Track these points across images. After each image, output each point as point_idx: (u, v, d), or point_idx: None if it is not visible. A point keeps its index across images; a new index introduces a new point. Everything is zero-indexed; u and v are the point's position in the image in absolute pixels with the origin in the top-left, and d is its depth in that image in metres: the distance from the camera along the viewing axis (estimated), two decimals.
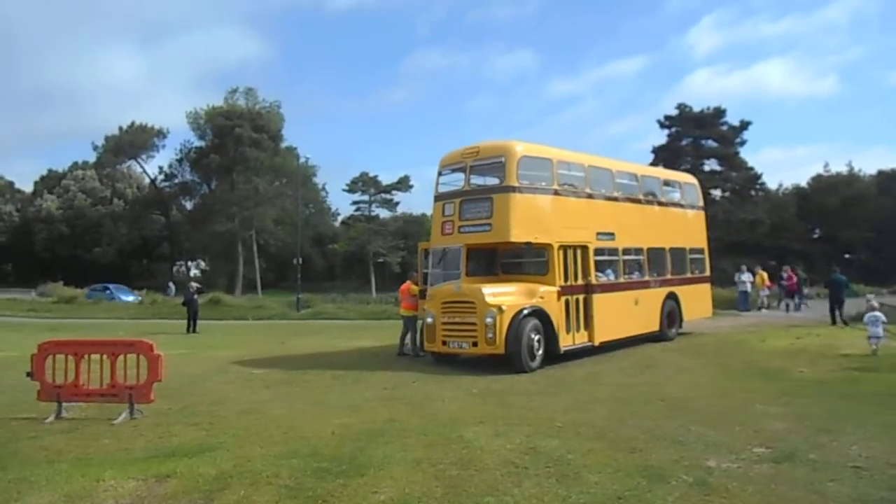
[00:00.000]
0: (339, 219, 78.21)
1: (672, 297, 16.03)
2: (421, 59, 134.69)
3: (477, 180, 12.84)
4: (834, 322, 18.25)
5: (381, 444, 6.74)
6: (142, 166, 66.20)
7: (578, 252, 13.32)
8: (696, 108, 43.09)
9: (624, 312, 14.26)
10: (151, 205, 66.16)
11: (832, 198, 52.53)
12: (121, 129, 61.61)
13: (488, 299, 11.84)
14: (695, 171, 43.07)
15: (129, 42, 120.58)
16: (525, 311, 11.98)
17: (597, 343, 13.40)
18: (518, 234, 12.18)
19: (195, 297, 21.59)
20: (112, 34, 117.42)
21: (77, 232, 65.04)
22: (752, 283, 24.36)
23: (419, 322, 13.53)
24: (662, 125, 44.12)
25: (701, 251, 17.68)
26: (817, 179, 56.21)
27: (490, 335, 11.75)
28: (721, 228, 42.94)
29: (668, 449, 6.39)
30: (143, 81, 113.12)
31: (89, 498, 5.31)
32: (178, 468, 5.92)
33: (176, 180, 65.20)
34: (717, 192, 44.45)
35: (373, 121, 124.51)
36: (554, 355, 12.49)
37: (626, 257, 14.65)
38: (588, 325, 13.38)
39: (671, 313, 16.05)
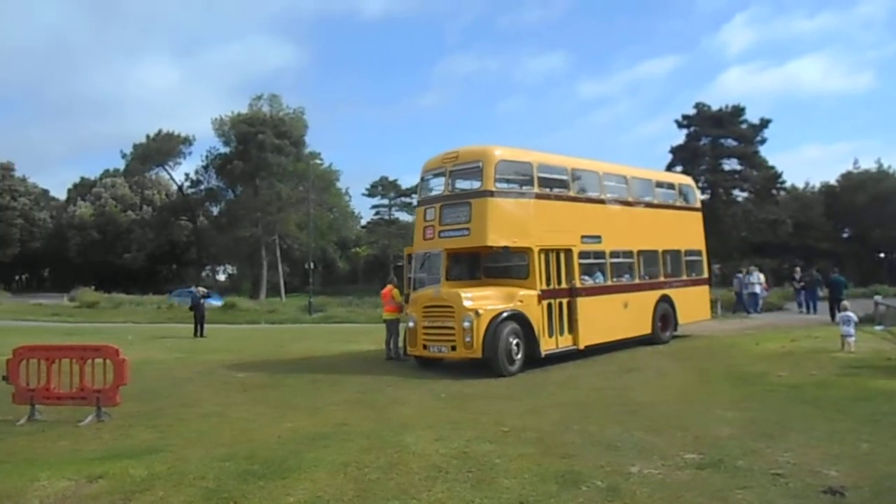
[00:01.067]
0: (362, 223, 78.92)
1: (665, 299, 15.88)
2: (451, 64, 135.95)
3: (457, 185, 12.90)
4: (834, 320, 17.90)
5: (320, 447, 6.85)
6: (169, 173, 67.74)
7: (562, 255, 13.30)
8: (718, 107, 42.43)
9: (612, 316, 14.17)
10: (179, 211, 67.54)
11: (861, 195, 51.31)
12: (148, 136, 63.10)
13: (466, 303, 11.90)
14: (714, 170, 42.56)
15: (167, 53, 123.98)
16: (503, 316, 12.01)
17: (582, 347, 13.36)
18: (495, 239, 12.22)
19: (202, 301, 21.99)
20: (151, 46, 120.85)
21: (108, 238, 66.68)
22: (761, 285, 23.94)
23: (402, 326, 13.65)
24: (681, 125, 43.56)
25: (698, 253, 17.48)
26: (846, 177, 54.96)
27: (468, 339, 11.81)
28: (742, 229, 42.30)
29: (600, 455, 6.38)
30: (180, 91, 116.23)
31: (17, 497, 5.51)
32: (112, 469, 6.09)
33: (202, 186, 66.46)
34: (737, 192, 43.70)
35: (403, 126, 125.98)
36: (536, 359, 12.52)
37: (615, 260, 14.56)
38: (573, 328, 13.34)
39: (665, 316, 15.90)
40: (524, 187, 12.90)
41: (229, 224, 62.67)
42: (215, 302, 38.42)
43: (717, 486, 5.35)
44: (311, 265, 32.91)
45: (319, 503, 5.22)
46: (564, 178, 13.72)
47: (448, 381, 11.44)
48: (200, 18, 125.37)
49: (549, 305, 12.92)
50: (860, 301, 21.41)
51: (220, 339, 20.29)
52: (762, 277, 24.35)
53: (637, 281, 15.13)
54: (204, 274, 79.05)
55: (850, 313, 13.22)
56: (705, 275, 17.72)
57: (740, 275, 24.60)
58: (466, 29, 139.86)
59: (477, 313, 11.78)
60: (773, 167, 41.56)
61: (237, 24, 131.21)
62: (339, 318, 28.96)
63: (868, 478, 5.43)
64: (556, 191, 13.55)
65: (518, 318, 12.26)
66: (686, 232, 17.03)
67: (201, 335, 21.45)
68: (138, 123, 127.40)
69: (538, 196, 12.99)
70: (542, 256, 12.87)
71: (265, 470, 6.03)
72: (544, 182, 13.30)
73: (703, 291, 17.64)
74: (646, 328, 15.28)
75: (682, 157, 42.96)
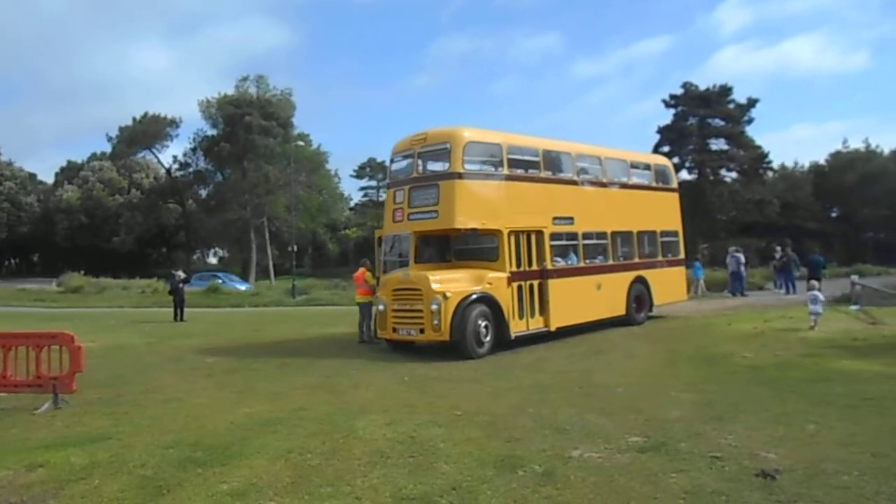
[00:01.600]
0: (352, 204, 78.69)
1: (640, 280, 15.88)
2: (445, 45, 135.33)
3: (425, 167, 12.79)
4: None
5: (269, 433, 6.83)
6: (156, 156, 67.11)
7: (533, 237, 13.24)
8: (705, 87, 42.25)
9: (584, 297, 14.16)
10: (167, 194, 67.04)
11: (850, 175, 51.28)
12: (134, 119, 62.49)
13: (434, 286, 11.85)
14: (701, 150, 42.44)
15: (159, 35, 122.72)
16: (471, 298, 11.97)
17: (553, 328, 13.36)
18: (463, 221, 12.15)
19: (181, 286, 21.90)
20: (142, 28, 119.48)
21: (96, 222, 66.11)
22: (745, 265, 23.94)
23: (373, 309, 13.60)
24: (668, 105, 43.31)
25: (674, 234, 17.45)
26: (835, 156, 54.90)
27: (436, 322, 11.78)
28: (729, 209, 42.30)
29: (546, 438, 6.37)
30: (172, 73, 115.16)
31: None
32: (54, 458, 6.07)
33: (190, 169, 65.87)
34: (725, 173, 43.62)
35: (396, 107, 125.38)
36: (506, 342, 12.51)
37: (588, 241, 14.52)
38: (544, 310, 13.32)
39: (639, 297, 15.90)
40: (494, 169, 12.81)
41: (217, 207, 62.32)
42: (241, 286, 37.10)
43: (654, 470, 5.35)
44: (294, 248, 32.74)
45: (253, 490, 5.19)
46: (535, 159, 13.61)
47: (416, 364, 11.42)
48: (193, 2, 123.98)
49: (520, 287, 12.89)
50: (841, 281, 21.51)
51: (200, 324, 20.23)
52: (743, 258, 24.32)
53: (611, 262, 15.11)
54: (195, 257, 78.93)
55: (816, 292, 13.48)
56: (681, 256, 17.70)
57: (738, 254, 24.32)
58: (461, 9, 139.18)
59: (444, 296, 11.74)
60: (759, 147, 41.46)
61: (231, 5, 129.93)
62: (323, 300, 28.94)
63: (805, 460, 5.42)
64: (526, 172, 13.45)
65: (487, 300, 12.23)
66: (662, 213, 16.99)
67: (181, 319, 21.38)
68: (132, 106, 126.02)
69: (508, 177, 12.90)
70: (513, 238, 12.81)
71: (207, 457, 6.01)
72: (514, 163, 13.20)
73: (680, 272, 17.65)
74: (620, 309, 15.28)
75: (669, 137, 42.80)
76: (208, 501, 4.98)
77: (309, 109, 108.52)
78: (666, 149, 43.50)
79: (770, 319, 15.27)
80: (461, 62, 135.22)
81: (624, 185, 15.92)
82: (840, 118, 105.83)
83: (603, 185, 15.19)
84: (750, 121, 41.93)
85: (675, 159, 43.55)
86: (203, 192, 68.30)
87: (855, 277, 19.26)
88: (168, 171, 67.41)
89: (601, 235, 14.95)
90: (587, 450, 5.95)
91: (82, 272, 49.62)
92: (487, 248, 12.93)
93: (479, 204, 12.38)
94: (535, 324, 13.19)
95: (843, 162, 53.64)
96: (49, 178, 76.53)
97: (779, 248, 23.30)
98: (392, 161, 13.68)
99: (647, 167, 17.07)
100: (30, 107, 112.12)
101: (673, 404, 7.66)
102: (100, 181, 67.34)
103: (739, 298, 22.56)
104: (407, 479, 5.30)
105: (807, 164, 55.64)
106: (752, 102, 41.61)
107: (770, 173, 44.51)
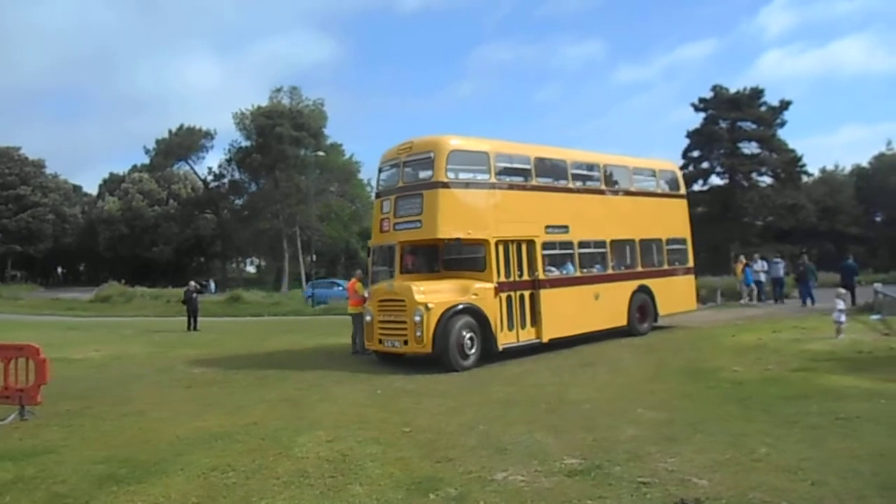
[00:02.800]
0: None
1: (643, 290, 15.39)
2: (488, 54, 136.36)
3: (410, 177, 12.62)
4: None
5: (206, 449, 6.74)
6: (192, 167, 68.50)
7: (524, 247, 12.94)
8: (735, 90, 41.07)
9: (580, 308, 13.78)
10: (203, 204, 68.41)
11: (895, 178, 49.29)
12: (170, 131, 64.02)
13: (417, 297, 11.66)
14: (731, 154, 41.31)
15: (209, 50, 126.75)
16: (455, 309, 11.74)
17: (545, 340, 13.01)
18: (447, 231, 11.92)
19: (194, 296, 22.18)
20: (193, 43, 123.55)
21: (136, 232, 67.77)
22: (766, 273, 23.10)
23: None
24: (697, 108, 42.17)
25: (682, 241, 16.89)
26: (879, 159, 52.90)
27: (418, 333, 11.59)
28: (763, 214, 41.06)
29: (481, 458, 6.12)
30: (221, 87, 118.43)
31: None
32: None
33: (225, 180, 67.13)
34: (760, 177, 42.29)
35: (439, 116, 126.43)
36: (495, 354, 12.24)
37: (584, 250, 14.14)
38: (536, 321, 13.00)
39: (643, 307, 15.42)
40: (480, 177, 12.56)
41: (251, 216, 63.29)
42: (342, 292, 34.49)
43: (571, 496, 5.06)
44: (313, 257, 32.91)
45: None
46: (526, 167, 13.32)
47: (396, 376, 11.23)
48: (243, 15, 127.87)
49: (509, 298, 12.59)
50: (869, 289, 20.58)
51: (210, 333, 20.42)
52: (766, 265, 23.47)
53: (610, 271, 14.68)
54: (233, 265, 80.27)
55: (838, 300, 13.17)
56: (690, 264, 17.10)
57: (778, 261, 23.42)
58: (503, 18, 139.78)
59: (427, 307, 11.54)
60: (793, 150, 40.05)
61: (278, 20, 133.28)
62: (340, 310, 28.86)
63: (736, 488, 5.07)
64: (516, 180, 13.19)
65: (472, 311, 11.97)
66: (668, 220, 16.45)
67: (194, 328, 21.65)
68: (179, 120, 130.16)
69: (495, 186, 12.64)
70: (501, 248, 12.53)
71: (130, 474, 5.94)
72: (503, 171, 12.95)
73: (689, 281, 17.05)
74: (621, 320, 14.82)
75: (699, 142, 41.74)
76: None
77: (352, 119, 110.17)
78: (696, 153, 42.52)
79: (779, 330, 14.66)
80: (503, 70, 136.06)
81: (626, 192, 15.48)
82: (888, 120, 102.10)
83: (602, 192, 14.80)
84: (783, 123, 40.64)
85: (705, 164, 42.58)
86: (238, 203, 69.52)
87: (878, 286, 18.37)
88: (204, 182, 68.74)
89: (599, 244, 14.54)
90: (515, 472, 5.68)
91: (123, 281, 51.02)
92: (475, 259, 12.66)
93: (463, 213, 12.14)
94: (527, 335, 12.87)
95: (887, 164, 51.64)
96: (93, 190, 79.04)
97: (805, 257, 22.35)
98: (380, 171, 13.57)
99: (652, 173, 16.56)
100: (82, 121, 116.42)
101: (632, 423, 7.30)
102: (139, 192, 69.03)
103: (761, 307, 21.79)
104: (312, 501, 5.13)
105: (848, 167, 53.74)
106: (784, 105, 40.27)
107: (805, 177, 42.96)
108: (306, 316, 28.37)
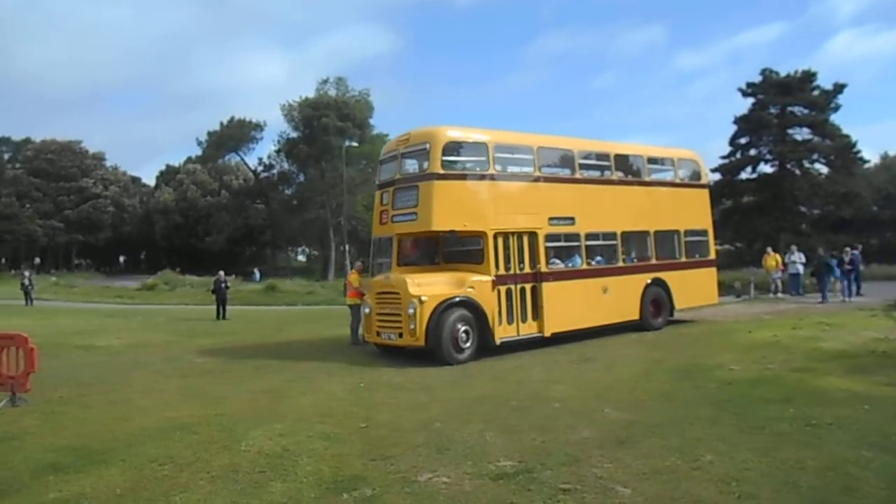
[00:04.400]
0: None
1: (658, 283, 14.91)
2: (545, 43, 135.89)
3: (407, 168, 12.53)
4: None
5: (159, 440, 6.86)
6: (242, 158, 70.02)
7: (525, 239, 12.70)
8: (786, 73, 39.19)
9: (587, 301, 13.47)
10: (253, 194, 69.95)
11: None
12: (221, 124, 65.52)
13: (411, 290, 11.61)
14: (781, 140, 39.61)
15: (272, 44, 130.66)
16: (449, 302, 11.63)
17: (547, 334, 12.77)
18: (441, 223, 11.80)
19: (223, 286, 22.68)
20: (257, 38, 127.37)
21: (190, 222, 70.08)
22: (804, 264, 22.04)
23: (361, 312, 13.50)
24: (745, 93, 40.43)
25: (702, 233, 16.27)
26: None
27: (412, 326, 11.53)
28: (814, 204, 39.31)
29: (419, 458, 6.03)
30: (284, 80, 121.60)
31: None
32: None
33: (274, 170, 68.45)
34: (815, 165, 40.38)
35: (495, 105, 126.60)
36: (493, 347, 12.09)
37: (591, 242, 13.79)
38: (538, 315, 12.76)
39: (657, 301, 14.95)
40: (478, 168, 12.36)
41: (299, 206, 64.45)
42: None
43: (485, 501, 4.92)
44: (347, 247, 33.19)
45: (76, 500, 5.18)
46: (528, 157, 13.04)
47: (389, 369, 11.21)
48: (305, 10, 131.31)
49: (509, 291, 12.40)
50: None
51: (235, 322, 20.87)
52: (778, 259, 22.41)
53: (620, 264, 14.26)
54: (288, 254, 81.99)
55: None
56: (711, 256, 16.46)
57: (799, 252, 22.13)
58: (560, 7, 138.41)
59: (420, 300, 11.46)
60: (847, 136, 37.91)
61: (339, 15, 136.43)
62: None
63: (655, 499, 4.84)
64: (517, 171, 12.95)
65: (468, 304, 11.83)
66: (687, 211, 15.85)
67: (223, 317, 22.16)
68: (240, 112, 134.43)
69: (494, 177, 12.42)
70: (500, 240, 12.33)
71: (73, 463, 6.09)
72: (503, 162, 12.73)
73: (709, 274, 16.39)
74: (632, 314, 14.40)
75: (747, 128, 40.11)
76: None
77: (409, 110, 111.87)
78: (743, 140, 40.92)
79: (800, 327, 14.00)
80: (559, 59, 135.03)
81: (640, 183, 15.00)
82: None
83: (612, 182, 14.37)
84: (837, 108, 38.53)
85: (753, 151, 40.93)
86: (287, 193, 70.81)
87: None
88: (254, 172, 70.25)
89: (609, 236, 14.14)
90: (444, 473, 5.57)
91: (178, 270, 52.75)
92: (474, 251, 12.53)
93: (459, 205, 11.98)
94: (528, 329, 12.66)
95: None
96: (152, 182, 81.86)
97: (848, 249, 21.11)
98: (381, 162, 13.54)
99: (671, 163, 15.96)
100: (147, 115, 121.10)
101: (592, 424, 7.06)
102: (193, 183, 71.25)
103: (791, 301, 20.80)
104: (228, 498, 5.14)
105: None
106: (838, 88, 38.11)
107: (862, 164, 40.69)
108: (337, 306, 28.61)
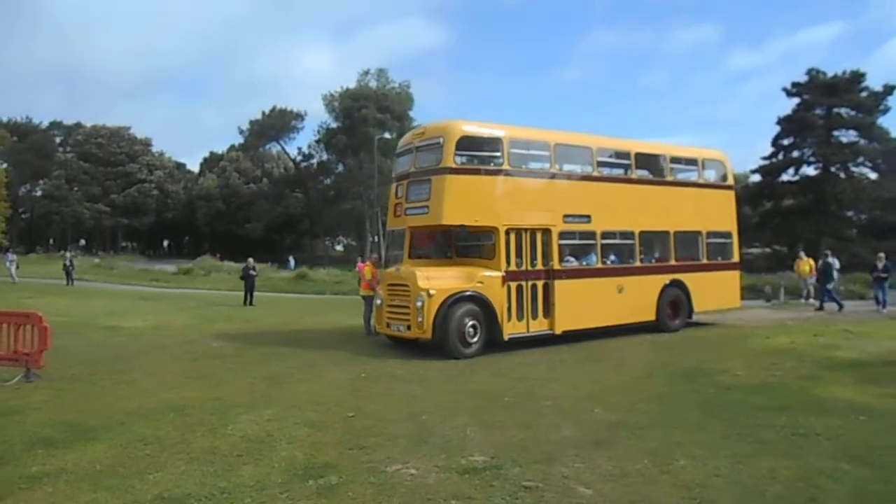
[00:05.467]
0: None
1: (677, 284, 14.67)
2: (595, 39, 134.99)
3: (422, 162, 12.55)
4: None
5: (151, 419, 7.10)
6: (283, 147, 71.03)
7: (538, 235, 12.64)
8: (832, 73, 37.85)
9: (601, 300, 13.33)
10: (293, 183, 70.97)
11: None
12: (263, 113, 66.63)
13: (420, 283, 11.67)
14: (825, 143, 38.44)
15: (324, 36, 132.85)
16: (457, 296, 11.66)
17: (558, 332, 12.70)
18: (452, 217, 11.81)
19: (251, 272, 23.13)
20: (309, 30, 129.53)
21: (231, 208, 71.48)
22: (839, 270, 21.33)
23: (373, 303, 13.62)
24: (790, 93, 39.22)
25: (726, 235, 15.91)
26: None
27: (419, 319, 11.61)
28: (859, 208, 38.03)
29: (394, 449, 6.11)
30: (333, 71, 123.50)
31: None
32: None
33: (314, 160, 69.30)
34: (862, 168, 38.99)
35: (545, 99, 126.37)
36: (504, 343, 12.09)
37: (607, 241, 13.63)
38: (549, 312, 12.71)
39: (675, 302, 14.71)
40: (492, 164, 12.33)
41: (337, 197, 65.15)
42: None
43: (444, 494, 4.98)
44: (375, 238, 33.40)
45: (55, 475, 5.41)
46: (545, 153, 12.94)
47: (395, 360, 11.31)
48: (361, 3, 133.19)
49: (519, 287, 12.36)
50: None
51: (260, 309, 21.24)
52: (812, 263, 21.71)
53: (637, 264, 14.07)
54: (326, 243, 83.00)
55: None
56: (734, 258, 16.10)
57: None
58: (613, 3, 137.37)
59: (428, 293, 11.52)
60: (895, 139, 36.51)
61: (391, 7, 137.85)
62: None
63: (614, 501, 4.81)
64: (533, 167, 12.86)
65: (477, 299, 11.84)
66: (710, 212, 15.53)
67: (251, 303, 22.58)
68: (290, 103, 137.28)
69: (508, 173, 12.36)
70: (513, 236, 12.30)
71: (65, 438, 6.37)
72: (519, 158, 12.64)
73: (732, 277, 16.04)
74: (649, 314, 14.20)
75: (790, 129, 38.96)
76: (2, 483, 5.23)
77: (456, 102, 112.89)
78: (786, 141, 39.80)
79: (822, 334, 13.65)
80: (609, 55, 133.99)
81: (661, 182, 14.75)
82: None
83: (631, 181, 14.17)
84: (886, 110, 37.07)
85: (796, 152, 39.79)
86: (326, 182, 71.63)
87: None
88: (294, 162, 71.24)
89: (626, 235, 13.96)
90: (414, 465, 5.63)
91: (218, 255, 53.92)
92: (486, 246, 12.54)
93: (471, 200, 11.96)
94: (538, 326, 12.61)
95: None
96: (197, 168, 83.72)
97: (882, 256, 20.27)
98: (397, 156, 13.61)
99: (693, 162, 15.64)
100: (200, 102, 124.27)
101: (577, 423, 7.04)
102: (236, 171, 72.60)
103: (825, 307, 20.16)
104: (199, 479, 5.29)
105: None
106: (889, 90, 36.75)
107: None
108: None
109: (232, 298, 25.16)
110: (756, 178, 42.70)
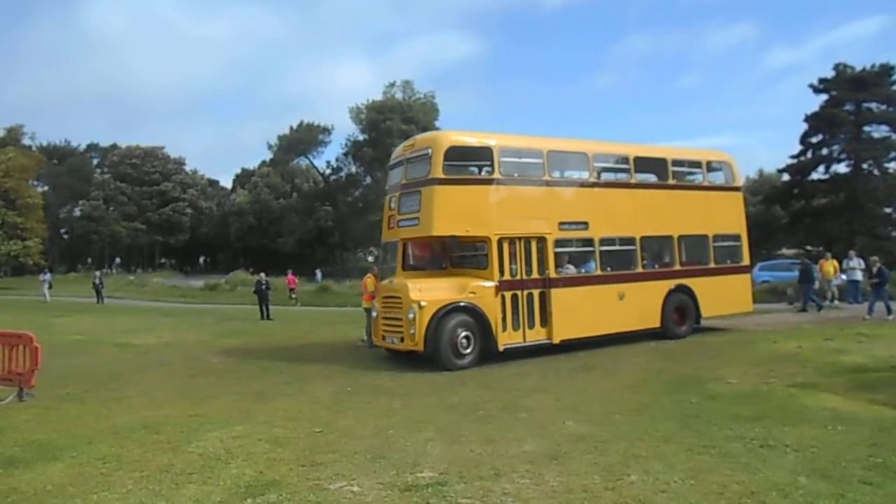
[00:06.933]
0: None
1: (682, 289, 14.34)
2: (629, 44, 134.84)
3: (412, 174, 12.53)
4: None
5: (120, 438, 7.17)
6: (311, 161, 71.80)
7: (533, 244, 12.50)
8: (861, 67, 36.72)
9: (600, 308, 13.11)
10: (322, 197, 71.65)
11: None
12: (291, 128, 67.50)
13: (412, 294, 11.64)
14: (856, 139, 37.34)
15: (359, 52, 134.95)
16: (449, 307, 11.59)
17: (556, 341, 12.52)
18: (442, 228, 11.76)
19: (263, 287, 23.39)
20: (344, 46, 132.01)
21: (263, 223, 72.48)
22: (863, 271, 20.60)
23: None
24: (817, 90, 38.15)
25: (734, 238, 15.51)
26: None
27: (412, 331, 11.57)
28: (887, 205, 36.79)
29: (347, 465, 6.06)
30: (370, 86, 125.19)
31: None
32: None
33: (342, 173, 69.89)
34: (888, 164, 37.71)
35: (580, 107, 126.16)
36: (499, 353, 11.98)
37: (606, 248, 13.40)
38: (546, 321, 12.54)
39: (681, 308, 14.37)
40: (482, 173, 12.26)
41: (364, 209, 65.53)
42: None
43: None
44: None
45: (6, 494, 5.48)
46: (538, 161, 12.80)
47: (387, 373, 11.29)
48: (392, 18, 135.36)
49: (514, 297, 12.23)
50: None
51: (275, 323, 21.48)
52: (836, 265, 21.00)
53: (638, 270, 13.80)
54: (358, 255, 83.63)
55: None
56: (744, 262, 15.68)
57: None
58: (646, 9, 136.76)
59: (420, 305, 11.48)
60: None
61: (425, 21, 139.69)
62: None
63: None
64: (526, 175, 12.71)
65: (469, 310, 11.76)
66: (716, 214, 15.14)
67: (267, 318, 22.83)
68: (327, 118, 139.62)
69: (499, 182, 12.26)
70: (506, 245, 12.19)
71: (29, 458, 6.50)
72: (510, 167, 12.54)
73: (742, 280, 15.62)
74: (653, 321, 13.90)
75: (819, 126, 37.89)
76: None
77: (495, 113, 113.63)
78: (814, 139, 38.75)
79: (833, 338, 13.22)
80: (644, 59, 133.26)
81: (662, 186, 14.47)
82: None
83: (630, 186, 13.93)
84: None
85: (825, 150, 38.69)
86: (356, 194, 72.15)
87: None
88: (323, 175, 71.98)
89: (627, 241, 13.70)
90: (358, 482, 5.58)
91: (251, 270, 54.68)
92: (480, 256, 12.45)
93: (461, 210, 11.89)
94: (535, 336, 12.45)
95: None
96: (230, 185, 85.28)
97: (875, 260, 19.03)
98: (390, 168, 13.64)
99: (696, 164, 15.29)
100: (235, 121, 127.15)
101: (542, 436, 6.90)
102: (266, 186, 73.67)
103: (846, 309, 19.40)
104: (142, 497, 5.32)
105: None
106: None
107: None
108: None
109: (251, 312, 25.40)
110: (786, 177, 41.64)
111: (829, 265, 20.99)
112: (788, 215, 39.97)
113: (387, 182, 13.89)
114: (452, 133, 12.29)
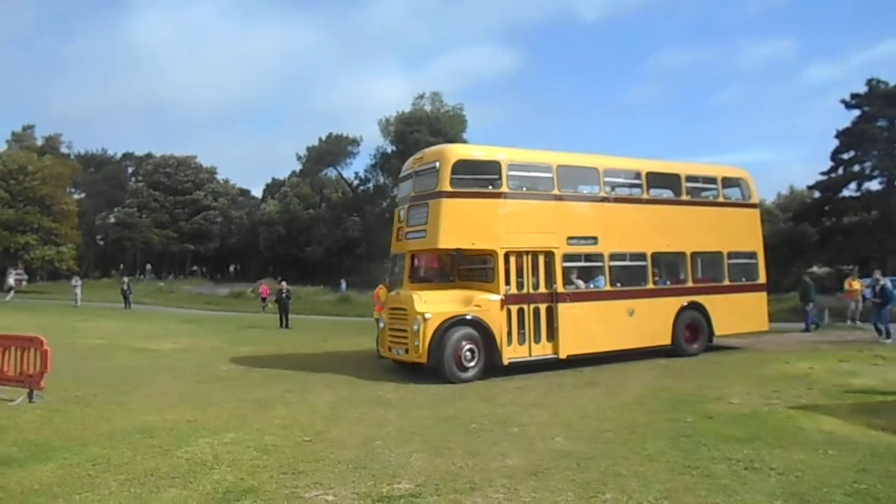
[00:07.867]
0: None
1: (695, 307, 14.17)
2: (665, 58, 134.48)
3: (421, 187, 12.63)
4: None
5: (116, 440, 7.34)
6: (339, 172, 72.49)
7: (541, 258, 12.49)
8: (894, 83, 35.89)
9: (609, 324, 13.03)
10: (350, 207, 72.23)
11: None
12: (320, 139, 68.28)
13: (417, 306, 11.71)
14: (890, 156, 36.48)
15: (396, 66, 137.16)
16: (454, 320, 11.63)
17: (563, 356, 12.46)
18: (448, 240, 11.82)
19: (283, 295, 23.68)
20: (382, 61, 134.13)
21: (292, 233, 73.26)
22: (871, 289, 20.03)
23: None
24: (849, 105, 37.39)
25: (750, 255, 15.28)
26: None
27: (416, 343, 11.63)
28: None
29: (328, 475, 6.13)
30: (403, 98, 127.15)
31: None
32: None
33: (370, 184, 70.45)
34: None
35: (615, 119, 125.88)
36: (502, 368, 11.97)
37: (616, 263, 13.32)
38: (553, 336, 12.49)
39: (694, 326, 14.19)
40: (490, 187, 12.30)
41: (391, 220, 65.66)
42: None
43: None
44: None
45: None
46: (547, 175, 12.81)
47: (389, 384, 11.38)
48: (429, 33, 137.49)
49: (521, 311, 12.22)
50: None
51: (293, 332, 21.75)
52: (860, 285, 20.48)
53: (649, 286, 13.68)
54: (385, 266, 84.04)
55: None
56: (760, 279, 15.42)
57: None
58: (683, 23, 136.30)
59: (424, 317, 11.54)
60: None
61: (462, 36, 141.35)
62: None
63: None
64: (534, 189, 12.74)
65: (474, 323, 11.78)
66: (731, 231, 14.94)
67: (286, 326, 23.11)
68: (359, 130, 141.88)
69: (507, 196, 12.30)
70: (513, 259, 12.21)
71: (24, 458, 6.67)
72: (519, 181, 12.58)
73: (757, 299, 15.34)
74: (663, 338, 13.75)
75: (850, 142, 37.11)
76: None
77: (530, 126, 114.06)
78: (846, 155, 37.93)
79: (848, 359, 12.94)
80: (680, 74, 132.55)
81: (675, 202, 14.35)
82: None
83: (641, 201, 13.84)
84: None
85: (856, 167, 37.84)
86: (384, 205, 72.62)
87: None
88: (351, 186, 72.63)
89: (637, 257, 13.61)
90: (334, 492, 5.64)
91: (279, 279, 55.28)
92: (487, 270, 12.47)
93: (468, 223, 11.94)
94: (541, 350, 12.41)
95: None
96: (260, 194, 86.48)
97: (878, 277, 18.41)
98: (399, 180, 13.77)
99: (712, 181, 15.14)
100: (271, 134, 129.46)
101: (528, 452, 6.88)
102: (296, 196, 74.58)
103: (867, 330, 18.83)
104: (123, 500, 5.45)
105: None
106: None
107: None
108: None
109: (270, 321, 25.79)
110: (817, 194, 40.81)
111: (858, 283, 20.53)
112: (819, 233, 39.14)
113: (397, 195, 14.00)
114: (459, 146, 12.47)
